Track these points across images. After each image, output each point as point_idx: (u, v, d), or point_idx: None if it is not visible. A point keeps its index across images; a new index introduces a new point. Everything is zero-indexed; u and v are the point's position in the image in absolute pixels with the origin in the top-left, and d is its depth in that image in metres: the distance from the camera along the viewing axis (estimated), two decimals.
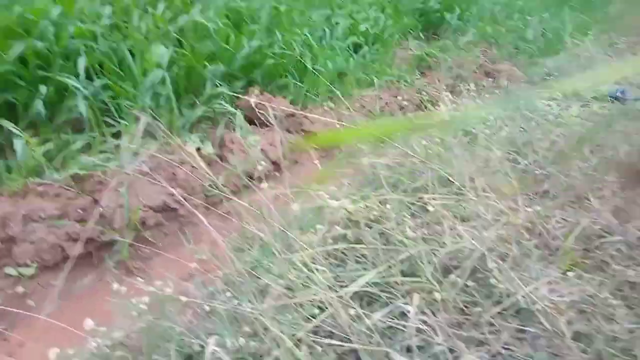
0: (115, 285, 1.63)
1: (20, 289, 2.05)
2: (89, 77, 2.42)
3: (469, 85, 5.00)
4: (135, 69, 2.47)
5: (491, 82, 5.43)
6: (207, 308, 1.54)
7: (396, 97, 4.08)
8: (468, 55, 5.56)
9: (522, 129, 2.18)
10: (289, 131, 3.33)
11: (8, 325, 1.92)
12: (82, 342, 1.54)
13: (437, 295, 1.31)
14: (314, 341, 1.45)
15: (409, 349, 1.50)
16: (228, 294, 1.58)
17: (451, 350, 1.42)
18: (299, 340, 1.43)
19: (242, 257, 1.85)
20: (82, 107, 2.23)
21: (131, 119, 2.47)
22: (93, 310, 2.01)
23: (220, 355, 1.29)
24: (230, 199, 2.43)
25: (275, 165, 3.16)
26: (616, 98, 2.65)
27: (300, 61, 3.41)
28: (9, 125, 2.17)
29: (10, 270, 2.03)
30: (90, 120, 2.33)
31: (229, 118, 3.10)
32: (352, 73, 3.92)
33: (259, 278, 1.66)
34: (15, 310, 1.98)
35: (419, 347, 1.49)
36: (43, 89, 2.20)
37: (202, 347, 1.43)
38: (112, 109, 2.36)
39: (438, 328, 1.27)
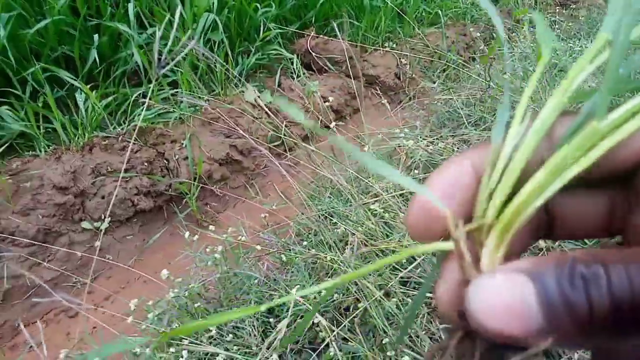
0: (188, 234, 1.58)
1: (97, 243, 2.07)
2: (140, 25, 2.32)
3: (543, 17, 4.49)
4: (185, 14, 2.34)
5: (566, 14, 4.84)
6: (284, 258, 1.45)
7: (464, 34, 3.71)
8: None
9: None
10: (348, 76, 3.12)
11: (91, 277, 1.96)
12: (160, 293, 1.51)
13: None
14: (403, 293, 1.32)
15: None
16: (305, 243, 1.48)
17: None
18: (387, 292, 1.30)
19: (315, 205, 1.73)
20: (137, 56, 2.13)
21: (186, 67, 2.36)
22: (168, 263, 2.00)
23: (304, 307, 1.18)
24: (297, 147, 2.31)
25: (337, 113, 2.98)
26: None
27: None
28: (70, 78, 2.13)
29: (86, 225, 2.05)
30: (145, 70, 2.25)
31: (285, 64, 2.93)
32: (412, 9, 3.58)
33: (335, 226, 1.54)
34: (97, 258, 2.02)
35: None
36: (96, 38, 2.12)
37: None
38: (166, 57, 2.26)
39: None
